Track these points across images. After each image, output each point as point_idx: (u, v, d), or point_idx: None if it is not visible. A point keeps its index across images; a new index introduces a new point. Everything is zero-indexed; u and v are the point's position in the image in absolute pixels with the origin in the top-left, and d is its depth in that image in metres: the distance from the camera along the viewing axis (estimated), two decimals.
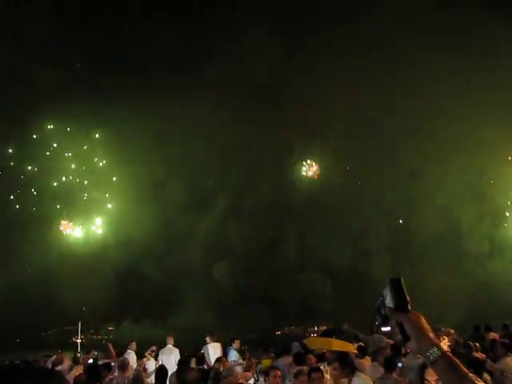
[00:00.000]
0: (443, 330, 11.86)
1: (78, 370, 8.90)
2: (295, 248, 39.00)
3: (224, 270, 38.36)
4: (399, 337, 2.05)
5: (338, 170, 38.81)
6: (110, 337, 40.95)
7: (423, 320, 2.05)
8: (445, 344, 1.86)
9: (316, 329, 39.06)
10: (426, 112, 35.86)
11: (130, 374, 9.50)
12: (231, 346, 13.77)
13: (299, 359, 9.27)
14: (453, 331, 13.09)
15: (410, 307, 2.06)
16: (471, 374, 1.88)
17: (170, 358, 12.37)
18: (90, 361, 12.18)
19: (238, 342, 14.14)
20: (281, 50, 37.29)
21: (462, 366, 1.91)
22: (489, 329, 15.60)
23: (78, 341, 24.36)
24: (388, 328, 2.16)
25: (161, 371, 7.95)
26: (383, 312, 2.14)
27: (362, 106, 35.79)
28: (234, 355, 13.31)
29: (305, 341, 12.95)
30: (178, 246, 39.03)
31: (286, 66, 38.04)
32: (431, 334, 2.00)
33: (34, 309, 34.30)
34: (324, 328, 23.56)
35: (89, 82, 37.42)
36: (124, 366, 9.42)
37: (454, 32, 33.87)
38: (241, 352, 14.03)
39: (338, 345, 11.66)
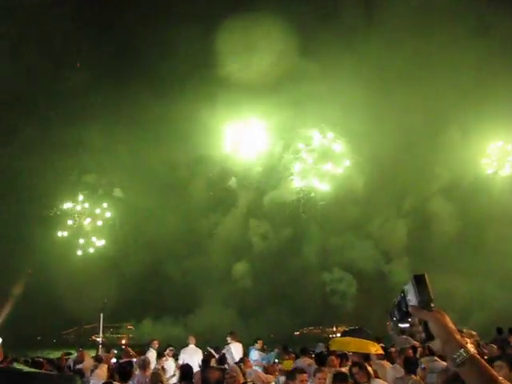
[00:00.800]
0: (465, 331, 11.69)
1: (102, 369, 8.95)
2: (316, 248, 38.61)
3: (244, 270, 38.36)
4: (423, 336, 1.97)
5: (360, 169, 38.56)
6: (130, 335, 41.29)
7: (448, 319, 1.95)
8: (472, 346, 1.80)
9: (335, 329, 38.86)
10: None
11: (150, 373, 9.57)
12: (254, 346, 13.73)
13: (321, 360, 9.13)
14: (475, 333, 12.91)
15: (434, 305, 1.97)
16: (501, 378, 1.80)
17: (193, 357, 12.35)
18: (114, 360, 12.26)
19: (261, 341, 14.13)
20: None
21: (491, 369, 1.82)
22: None
23: (99, 339, 24.14)
24: (406, 325, 2.08)
25: (186, 370, 7.94)
26: (404, 308, 2.06)
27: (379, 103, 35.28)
28: (255, 355, 13.27)
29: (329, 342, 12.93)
30: (199, 246, 39.03)
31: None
32: (458, 335, 1.91)
33: (54, 307, 34.60)
34: (343, 329, 23.47)
35: (112, 83, 37.67)
36: (145, 364, 9.48)
37: None
38: (262, 352, 14.01)
39: (356, 346, 11.60)
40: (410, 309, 2.02)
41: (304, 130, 39.76)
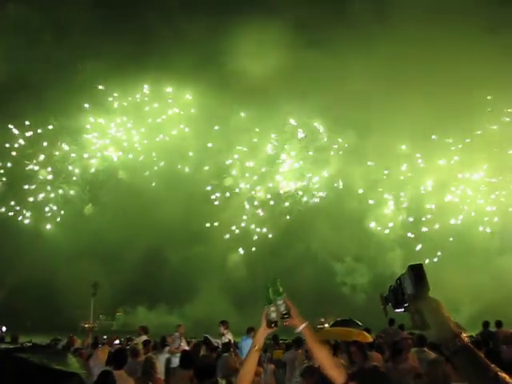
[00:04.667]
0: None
1: (104, 351, 8.96)
2: (317, 237, 38.56)
3: (240, 259, 38.37)
4: (418, 324, 2.02)
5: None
6: (119, 321, 41.18)
7: (444, 308, 1.99)
8: (465, 335, 1.81)
9: (323, 320, 38.81)
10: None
11: (142, 359, 9.65)
12: (248, 335, 13.73)
13: (298, 344, 8.98)
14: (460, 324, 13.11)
15: (429, 295, 2.02)
16: (493, 365, 1.82)
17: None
18: (117, 341, 12.31)
19: (255, 332, 14.07)
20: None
21: (484, 357, 1.84)
22: (499, 325, 15.59)
23: (88, 325, 23.75)
24: (401, 309, 2.15)
25: (186, 356, 8.04)
26: (400, 295, 2.12)
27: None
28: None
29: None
30: (198, 234, 38.93)
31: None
32: (452, 324, 1.94)
33: (44, 291, 34.46)
34: (335, 319, 23.57)
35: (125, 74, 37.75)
36: (136, 352, 9.59)
37: None
38: None
39: (342, 335, 11.71)
40: (406, 297, 2.08)
41: (308, 121, 40.34)
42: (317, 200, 40.27)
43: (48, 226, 38.87)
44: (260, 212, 40.30)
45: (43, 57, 37.00)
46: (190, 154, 40.01)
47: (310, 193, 40.38)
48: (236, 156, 40.43)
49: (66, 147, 39.73)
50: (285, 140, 40.67)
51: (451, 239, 37.79)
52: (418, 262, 2.08)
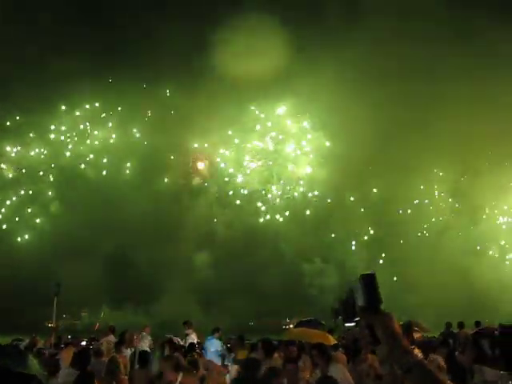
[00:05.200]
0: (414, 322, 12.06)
1: (69, 353, 8.83)
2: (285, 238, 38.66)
3: (206, 259, 38.12)
4: (369, 339, 1.88)
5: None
6: (85, 321, 40.58)
7: (396, 323, 1.88)
8: (418, 351, 1.82)
9: (288, 320, 38.88)
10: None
11: (105, 359, 9.56)
12: (213, 335, 13.68)
13: (268, 351, 8.18)
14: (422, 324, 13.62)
15: (382, 308, 1.89)
16: (449, 382, 1.79)
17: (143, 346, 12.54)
18: (83, 342, 12.18)
19: (219, 332, 14.09)
20: None
21: (438, 374, 1.79)
22: (461, 326, 15.98)
23: (51, 324, 23.19)
24: (352, 324, 2.00)
25: (144, 357, 8.02)
26: (350, 308, 1.97)
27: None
28: (217, 345, 13.16)
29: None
30: (167, 233, 38.58)
31: None
32: (404, 341, 1.84)
33: (6, 291, 33.79)
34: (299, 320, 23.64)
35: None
36: (100, 352, 9.52)
37: None
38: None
39: (310, 336, 11.80)
40: (357, 309, 1.93)
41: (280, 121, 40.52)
42: (283, 217, 40.41)
43: (19, 238, 38.53)
44: (228, 212, 40.23)
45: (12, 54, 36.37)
46: (159, 154, 39.74)
47: (278, 195, 40.52)
48: (206, 155, 40.36)
49: (33, 145, 39.09)
50: (253, 139, 40.72)
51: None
52: (369, 272, 1.94)
